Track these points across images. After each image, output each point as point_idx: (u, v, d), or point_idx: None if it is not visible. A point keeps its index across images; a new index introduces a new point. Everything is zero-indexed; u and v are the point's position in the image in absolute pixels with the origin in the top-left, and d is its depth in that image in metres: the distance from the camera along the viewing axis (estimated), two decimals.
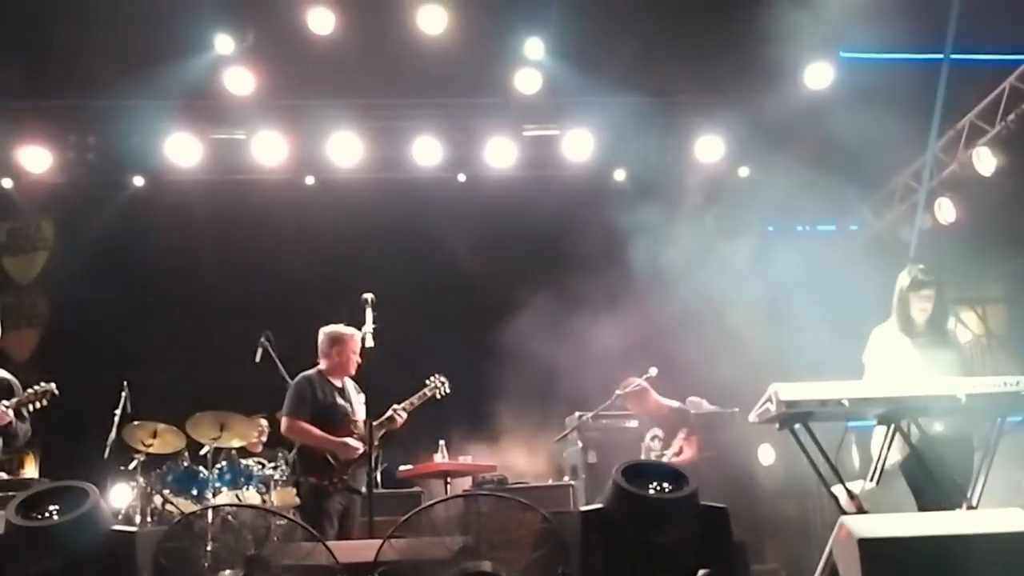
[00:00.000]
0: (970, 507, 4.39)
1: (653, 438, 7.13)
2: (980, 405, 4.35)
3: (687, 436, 6.97)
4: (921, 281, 5.11)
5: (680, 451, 6.93)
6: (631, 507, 3.99)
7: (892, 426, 4.49)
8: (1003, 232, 8.56)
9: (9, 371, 9.56)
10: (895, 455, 4.64)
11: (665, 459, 6.86)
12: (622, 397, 7.17)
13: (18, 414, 5.92)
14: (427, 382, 6.48)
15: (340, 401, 6.07)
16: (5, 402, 5.85)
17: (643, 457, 7.02)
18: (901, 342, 5.11)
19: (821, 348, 7.79)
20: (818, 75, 9.11)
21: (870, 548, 3.64)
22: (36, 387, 6.06)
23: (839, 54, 9.04)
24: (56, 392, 6.08)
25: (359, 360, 6.07)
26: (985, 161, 8.46)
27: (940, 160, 9.02)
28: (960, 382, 4.44)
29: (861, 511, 4.18)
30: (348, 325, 6.11)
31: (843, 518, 3.98)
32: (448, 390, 6.52)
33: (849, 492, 4.30)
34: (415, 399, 6.32)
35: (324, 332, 6.23)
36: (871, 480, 4.60)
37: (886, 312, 5.22)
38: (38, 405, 6.05)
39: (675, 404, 7.24)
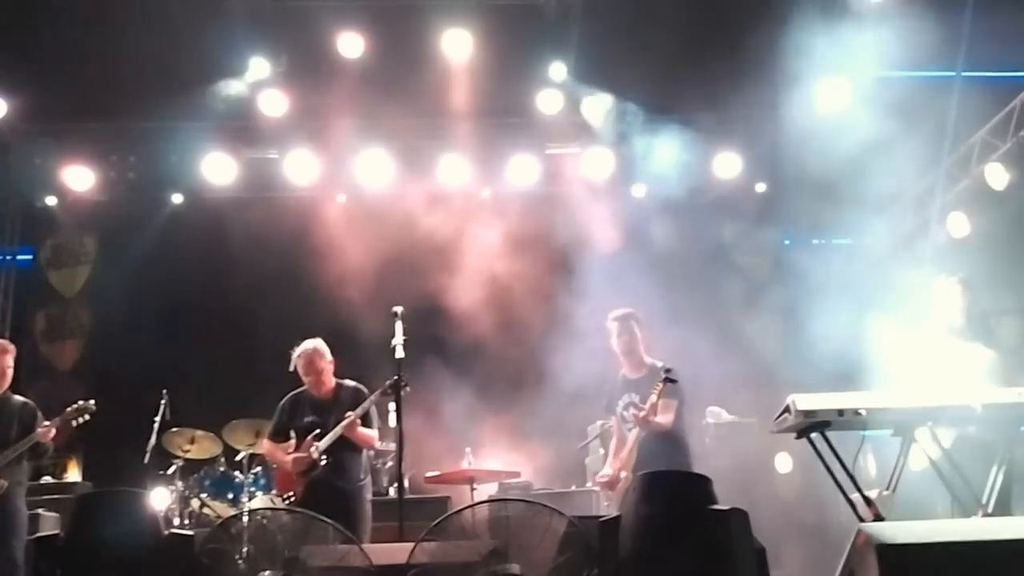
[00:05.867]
0: (986, 514, 4.44)
1: (628, 406, 5.92)
2: (996, 415, 4.38)
3: (665, 399, 5.74)
4: (944, 280, 5.49)
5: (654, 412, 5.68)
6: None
7: (908, 435, 4.54)
8: (1016, 245, 8.65)
9: (54, 380, 9.98)
10: (913, 463, 4.68)
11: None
12: (614, 318, 6.12)
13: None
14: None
15: (307, 417, 6.08)
16: (47, 422, 6.14)
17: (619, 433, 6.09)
18: (940, 341, 5.32)
19: (836, 359, 7.96)
20: (833, 92, 9.27)
21: (887, 554, 3.62)
22: (78, 404, 6.34)
23: (853, 71, 9.18)
24: (93, 409, 6.36)
25: (315, 369, 6.08)
26: (997, 176, 8.55)
27: (953, 175, 9.10)
28: (977, 392, 4.46)
29: (878, 518, 4.19)
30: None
31: (861, 525, 3.98)
32: (407, 390, 5.79)
33: (866, 499, 4.30)
34: (365, 404, 6.00)
35: None
36: (887, 487, 4.60)
37: (901, 322, 5.41)
38: (80, 420, 6.33)
39: (659, 363, 5.93)
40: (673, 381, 5.80)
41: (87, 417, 6.36)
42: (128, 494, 4.59)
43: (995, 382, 4.96)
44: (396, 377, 5.79)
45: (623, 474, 5.82)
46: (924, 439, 4.55)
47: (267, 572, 4.16)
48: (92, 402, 6.38)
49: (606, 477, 5.99)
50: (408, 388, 5.83)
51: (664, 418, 5.77)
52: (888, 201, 9.62)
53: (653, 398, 5.73)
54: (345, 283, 9.21)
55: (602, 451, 7.85)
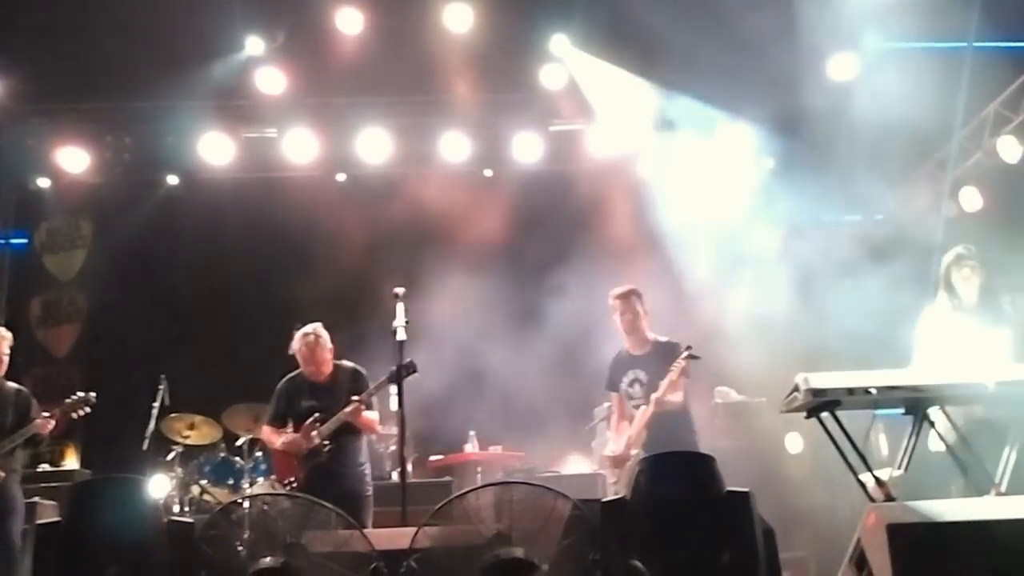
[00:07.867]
0: (999, 493, 4.40)
1: (633, 383, 5.93)
2: (1009, 393, 4.30)
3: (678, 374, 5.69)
4: (962, 255, 5.39)
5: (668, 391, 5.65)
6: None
7: (920, 413, 4.48)
8: None
9: (50, 366, 9.91)
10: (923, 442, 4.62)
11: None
12: (616, 296, 6.09)
13: None
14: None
15: (306, 402, 6.05)
16: (45, 412, 6.08)
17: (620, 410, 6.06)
18: (953, 320, 5.26)
19: (847, 337, 7.85)
20: (843, 65, 9.14)
21: (898, 534, 3.65)
22: (78, 396, 6.28)
23: (863, 44, 9.03)
24: (94, 401, 6.30)
25: (317, 358, 6.04)
26: (1010, 149, 8.46)
27: (965, 149, 9.00)
28: (989, 370, 4.39)
29: (889, 498, 4.16)
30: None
31: (871, 505, 3.99)
32: (416, 372, 5.77)
33: (877, 479, 4.26)
34: (372, 390, 6.02)
35: None
36: (899, 467, 4.56)
37: (913, 300, 5.30)
38: (80, 412, 6.27)
39: (663, 339, 6.00)
40: (697, 358, 5.80)
41: (87, 409, 6.30)
42: (127, 481, 4.57)
43: (1013, 360, 4.92)
44: (401, 363, 5.69)
45: (633, 451, 5.78)
46: (936, 418, 4.51)
47: (268, 558, 4.11)
48: (93, 394, 6.31)
49: (615, 453, 5.90)
50: (416, 373, 5.78)
51: (678, 396, 5.77)
52: (899, 176, 9.49)
53: (673, 376, 5.69)
54: (345, 264, 9.14)
55: (609, 433, 7.79)
